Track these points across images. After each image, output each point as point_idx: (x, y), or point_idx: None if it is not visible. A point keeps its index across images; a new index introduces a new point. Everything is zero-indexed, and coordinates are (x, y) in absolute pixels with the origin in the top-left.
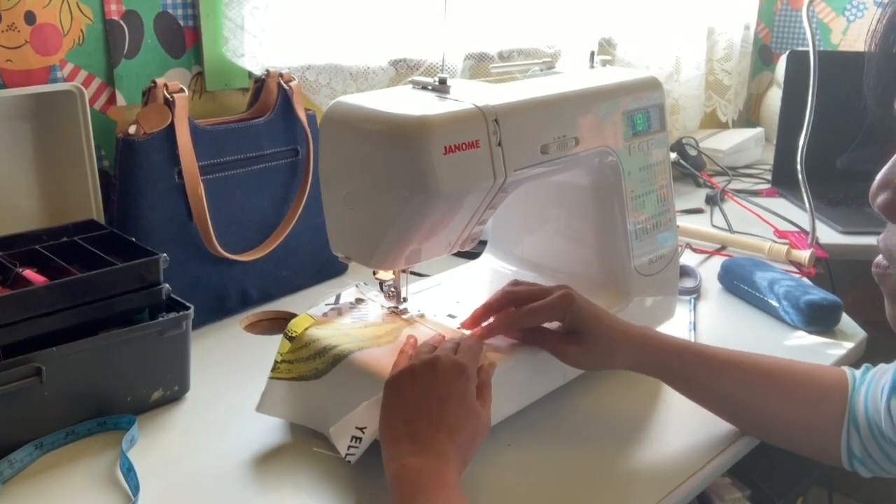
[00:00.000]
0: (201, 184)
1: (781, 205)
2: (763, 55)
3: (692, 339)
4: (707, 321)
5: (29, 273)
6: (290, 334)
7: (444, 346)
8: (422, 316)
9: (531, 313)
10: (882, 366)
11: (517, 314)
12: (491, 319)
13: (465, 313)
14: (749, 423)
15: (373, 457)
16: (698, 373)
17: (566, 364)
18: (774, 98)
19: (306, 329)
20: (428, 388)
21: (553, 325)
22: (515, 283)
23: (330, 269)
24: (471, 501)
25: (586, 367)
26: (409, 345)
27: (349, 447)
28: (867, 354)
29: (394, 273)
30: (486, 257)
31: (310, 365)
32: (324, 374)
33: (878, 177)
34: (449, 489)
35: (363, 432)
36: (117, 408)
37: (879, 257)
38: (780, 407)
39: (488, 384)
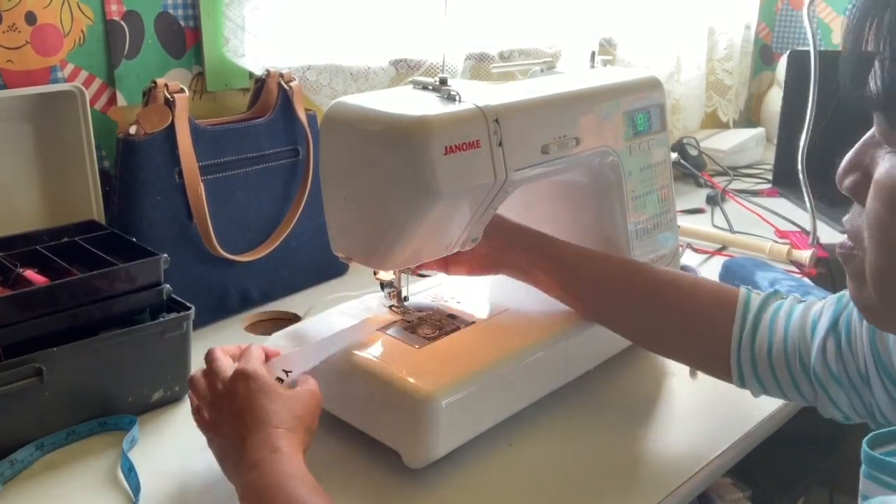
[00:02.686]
0: (201, 184)
1: (782, 205)
2: (764, 55)
3: None
4: None
5: (30, 273)
6: None
7: (218, 367)
8: (421, 315)
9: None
10: (812, 299)
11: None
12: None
13: (466, 313)
14: (631, 329)
15: (376, 454)
16: (584, 270)
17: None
18: (775, 98)
19: None
20: (225, 414)
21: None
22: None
23: (330, 269)
24: (471, 501)
25: (482, 262)
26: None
27: None
28: None
29: (394, 273)
30: None
31: None
32: None
33: (846, 159)
34: (287, 485)
35: (287, 375)
36: (118, 408)
37: (844, 238)
38: (665, 313)
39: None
